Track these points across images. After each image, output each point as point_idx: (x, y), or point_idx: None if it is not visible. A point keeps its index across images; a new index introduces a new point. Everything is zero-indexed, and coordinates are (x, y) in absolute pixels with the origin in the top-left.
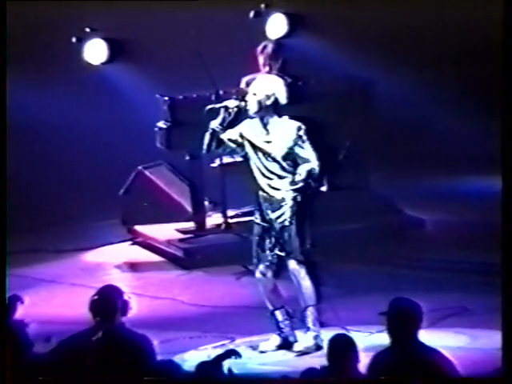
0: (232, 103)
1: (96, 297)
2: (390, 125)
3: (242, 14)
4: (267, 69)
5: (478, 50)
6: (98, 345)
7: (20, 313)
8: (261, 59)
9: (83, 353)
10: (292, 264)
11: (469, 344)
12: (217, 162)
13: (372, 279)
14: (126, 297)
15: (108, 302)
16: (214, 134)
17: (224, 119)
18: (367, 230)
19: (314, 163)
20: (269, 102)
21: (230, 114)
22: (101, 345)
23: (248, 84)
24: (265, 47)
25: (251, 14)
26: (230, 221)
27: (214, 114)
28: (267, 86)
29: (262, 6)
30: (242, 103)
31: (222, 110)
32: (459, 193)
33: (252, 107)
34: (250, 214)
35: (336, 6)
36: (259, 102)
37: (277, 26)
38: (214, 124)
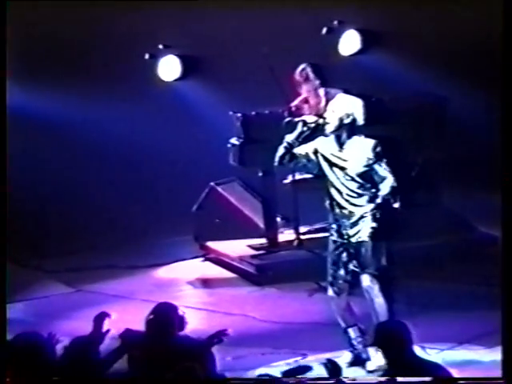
0: (310, 118)
1: (152, 316)
2: (462, 141)
3: (315, 29)
4: (309, 90)
5: None
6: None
7: (104, 329)
8: (303, 83)
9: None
10: (366, 281)
11: None
12: (289, 179)
13: (446, 297)
14: (180, 312)
15: (164, 319)
16: (289, 147)
17: (300, 134)
18: (440, 248)
19: (391, 179)
20: (347, 121)
21: (307, 129)
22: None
23: (297, 108)
24: (303, 70)
25: (324, 30)
26: (302, 237)
27: (291, 127)
28: (347, 104)
29: (335, 22)
30: (321, 120)
31: (300, 125)
32: None
33: (331, 125)
34: (322, 230)
35: (409, 22)
36: (340, 120)
37: (350, 42)
38: (290, 138)
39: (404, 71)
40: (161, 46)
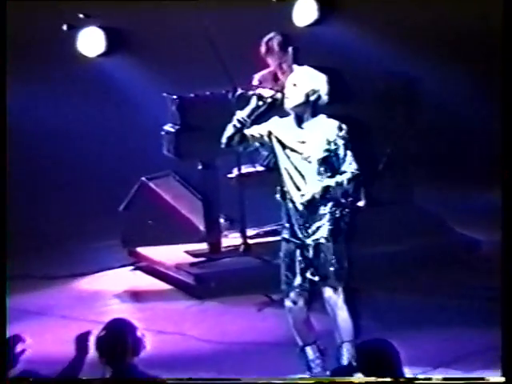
0: (267, 92)
1: (103, 333)
2: (437, 129)
3: None
4: (275, 64)
5: None
6: None
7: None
8: (266, 54)
9: None
10: (327, 291)
11: None
12: (234, 172)
13: (419, 311)
14: (138, 333)
15: (117, 339)
16: (240, 126)
17: (254, 110)
18: (412, 253)
19: (356, 171)
20: (312, 98)
21: (263, 103)
22: None
23: (260, 82)
24: (270, 40)
25: None
26: (249, 241)
27: (242, 103)
28: (310, 79)
29: None
30: (279, 94)
31: (254, 100)
32: None
33: (292, 101)
34: (274, 233)
35: None
36: (305, 96)
37: (305, 11)
38: (242, 114)
39: (371, 46)
40: (81, 16)
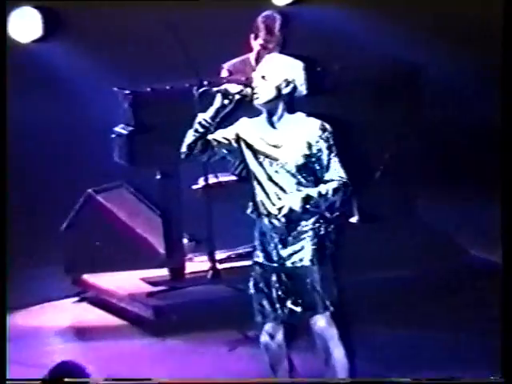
0: (234, 88)
1: (47, 377)
2: (445, 128)
3: None
4: (262, 48)
5: None
6: None
7: None
8: (259, 35)
9: None
10: (319, 323)
11: None
12: (200, 183)
13: (426, 348)
14: (91, 381)
15: None
16: (203, 130)
17: (218, 111)
18: (417, 279)
19: (341, 177)
20: (286, 91)
21: (228, 102)
22: None
23: (231, 72)
24: (268, 19)
25: None
26: (219, 266)
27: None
28: (282, 68)
29: None
30: (248, 89)
31: (218, 98)
32: None
33: (262, 96)
34: (248, 256)
35: None
36: (276, 89)
37: None
38: (203, 117)
39: (361, 28)
40: None
